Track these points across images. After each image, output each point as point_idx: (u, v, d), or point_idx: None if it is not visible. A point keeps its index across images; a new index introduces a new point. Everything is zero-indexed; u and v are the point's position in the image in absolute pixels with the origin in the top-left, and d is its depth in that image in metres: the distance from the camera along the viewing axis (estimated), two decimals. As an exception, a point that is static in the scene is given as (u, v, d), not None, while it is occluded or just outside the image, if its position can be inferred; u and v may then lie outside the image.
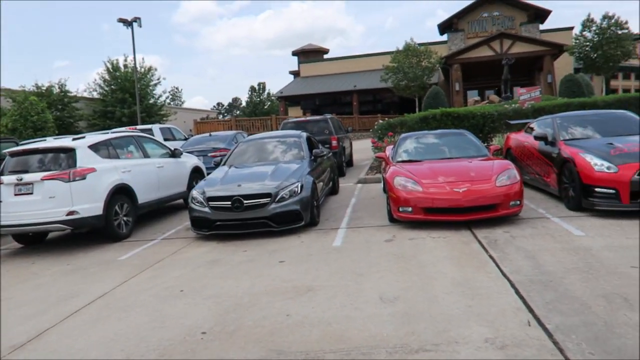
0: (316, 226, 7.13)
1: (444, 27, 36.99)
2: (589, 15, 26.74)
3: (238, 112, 75.60)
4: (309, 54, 44.20)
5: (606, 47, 26.12)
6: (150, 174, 8.30)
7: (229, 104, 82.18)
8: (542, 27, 35.28)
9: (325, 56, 44.86)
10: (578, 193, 6.54)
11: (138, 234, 7.76)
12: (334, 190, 9.85)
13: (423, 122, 13.94)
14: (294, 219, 6.78)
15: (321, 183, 8.20)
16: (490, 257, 5.05)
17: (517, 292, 4.04)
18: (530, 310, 3.64)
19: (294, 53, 45.41)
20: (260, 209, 6.62)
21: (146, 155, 8.56)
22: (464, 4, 39.95)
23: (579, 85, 26.78)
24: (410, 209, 6.44)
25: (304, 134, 9.03)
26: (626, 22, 25.90)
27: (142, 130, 14.24)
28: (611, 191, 6.14)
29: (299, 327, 3.68)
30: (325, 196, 8.81)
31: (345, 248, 5.85)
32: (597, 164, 6.32)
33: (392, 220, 6.87)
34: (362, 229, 6.76)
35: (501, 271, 4.58)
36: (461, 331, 3.38)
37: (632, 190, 6.01)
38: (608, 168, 6.22)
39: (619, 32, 25.88)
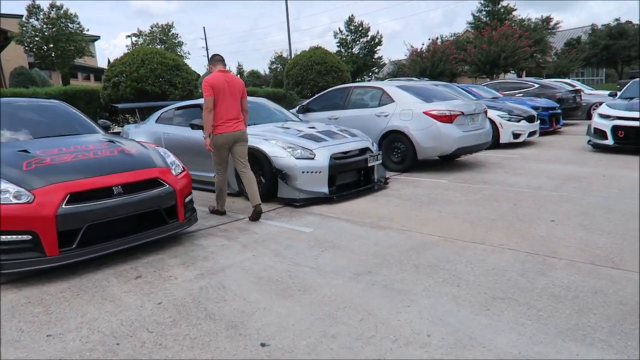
0: None
1: None
2: (34, 1, 23.62)
3: None
4: None
5: (60, 42, 23.90)
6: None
7: None
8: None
9: None
10: (-30, 246, 3.48)
11: None
12: None
13: None
14: None
15: None
16: None
17: None
18: None
19: None
20: None
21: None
22: None
23: (34, 80, 23.68)
24: None
25: None
26: (76, 16, 24.43)
27: None
28: (26, 237, 3.43)
29: None
30: None
31: None
32: (-3, 190, 3.46)
33: None
34: None
35: None
36: None
37: (60, 230, 3.50)
38: (18, 196, 3.46)
39: (70, 26, 24.16)
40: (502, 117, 9.81)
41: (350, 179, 6.28)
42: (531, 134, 10.16)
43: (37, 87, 20.93)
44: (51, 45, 23.85)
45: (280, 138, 5.92)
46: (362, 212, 5.24)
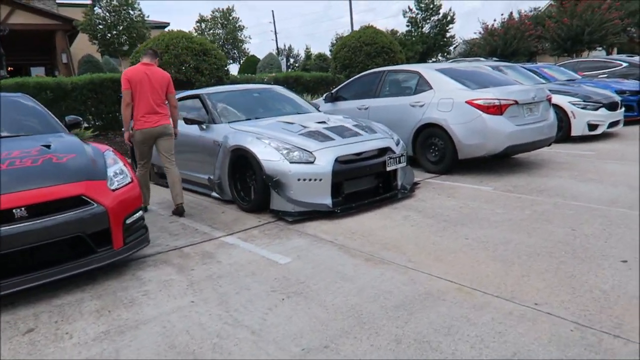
0: None
1: None
2: (96, -12, 23.95)
3: None
4: None
5: (123, 28, 24.26)
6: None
7: None
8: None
9: None
10: None
11: None
12: None
13: None
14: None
15: None
16: None
17: None
18: None
19: None
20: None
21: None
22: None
23: (100, 68, 24.26)
24: None
25: None
26: (138, 4, 24.57)
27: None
28: None
29: None
30: None
31: None
32: None
33: None
34: None
35: None
36: None
37: None
38: None
39: (131, 12, 24.36)
40: (574, 105, 8.07)
41: (366, 186, 5.13)
42: (612, 124, 8.32)
43: (103, 73, 21.39)
44: (114, 33, 24.17)
45: (276, 137, 4.88)
46: (366, 234, 4.11)
